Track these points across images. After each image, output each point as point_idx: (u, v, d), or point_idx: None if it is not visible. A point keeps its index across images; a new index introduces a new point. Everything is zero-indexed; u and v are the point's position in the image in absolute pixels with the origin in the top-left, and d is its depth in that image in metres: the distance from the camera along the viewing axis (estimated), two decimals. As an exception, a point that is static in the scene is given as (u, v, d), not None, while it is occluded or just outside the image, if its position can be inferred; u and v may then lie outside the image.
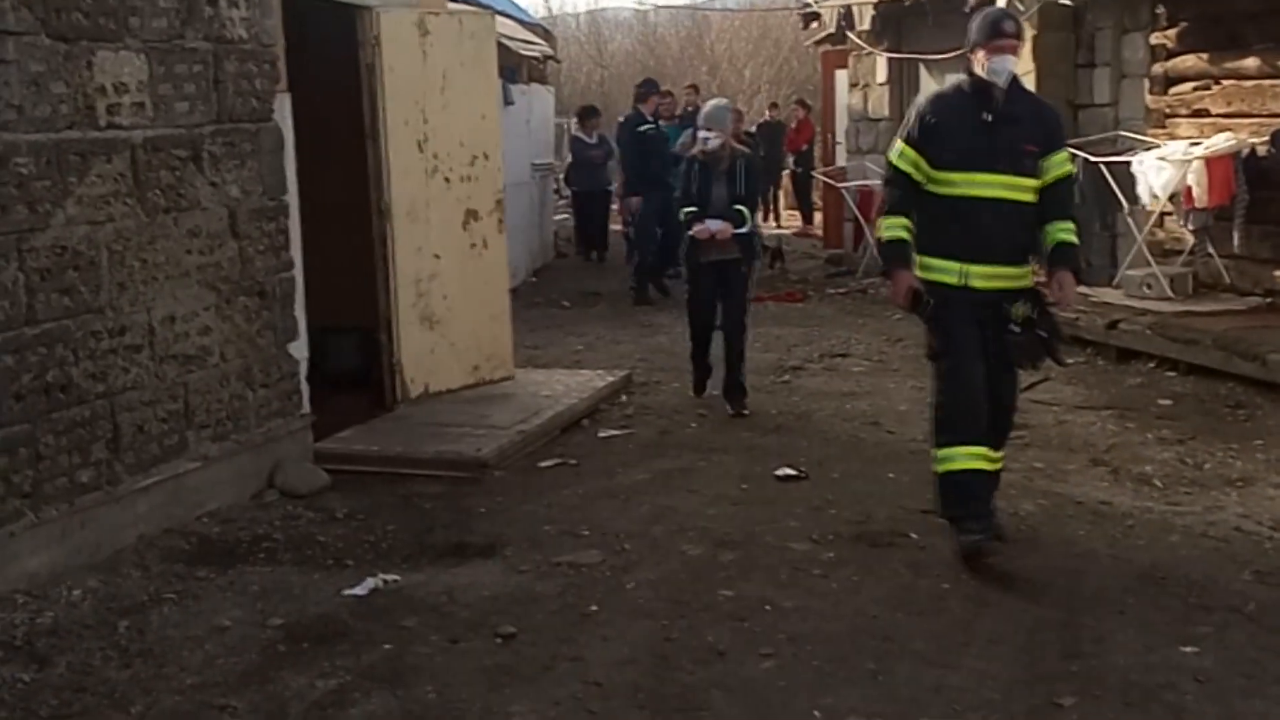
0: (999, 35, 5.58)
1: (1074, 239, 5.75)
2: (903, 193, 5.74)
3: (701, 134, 8.52)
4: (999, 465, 5.89)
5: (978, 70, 5.62)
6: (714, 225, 8.33)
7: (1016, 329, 5.64)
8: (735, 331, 8.53)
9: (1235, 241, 9.75)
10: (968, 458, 5.67)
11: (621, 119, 15.16)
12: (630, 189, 14.43)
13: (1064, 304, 5.76)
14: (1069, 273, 5.69)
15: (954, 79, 5.88)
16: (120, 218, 5.88)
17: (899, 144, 5.75)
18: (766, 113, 22.70)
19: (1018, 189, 5.60)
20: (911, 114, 5.79)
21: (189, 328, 6.28)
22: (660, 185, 13.17)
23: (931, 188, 5.66)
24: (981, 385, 5.68)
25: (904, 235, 5.70)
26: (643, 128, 14.17)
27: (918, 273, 5.71)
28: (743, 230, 8.35)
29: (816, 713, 4.31)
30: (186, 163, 6.25)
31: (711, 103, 9.09)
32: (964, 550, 5.59)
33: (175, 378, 6.21)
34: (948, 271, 5.66)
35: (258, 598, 5.41)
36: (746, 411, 8.43)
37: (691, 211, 8.43)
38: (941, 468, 5.75)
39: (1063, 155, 5.77)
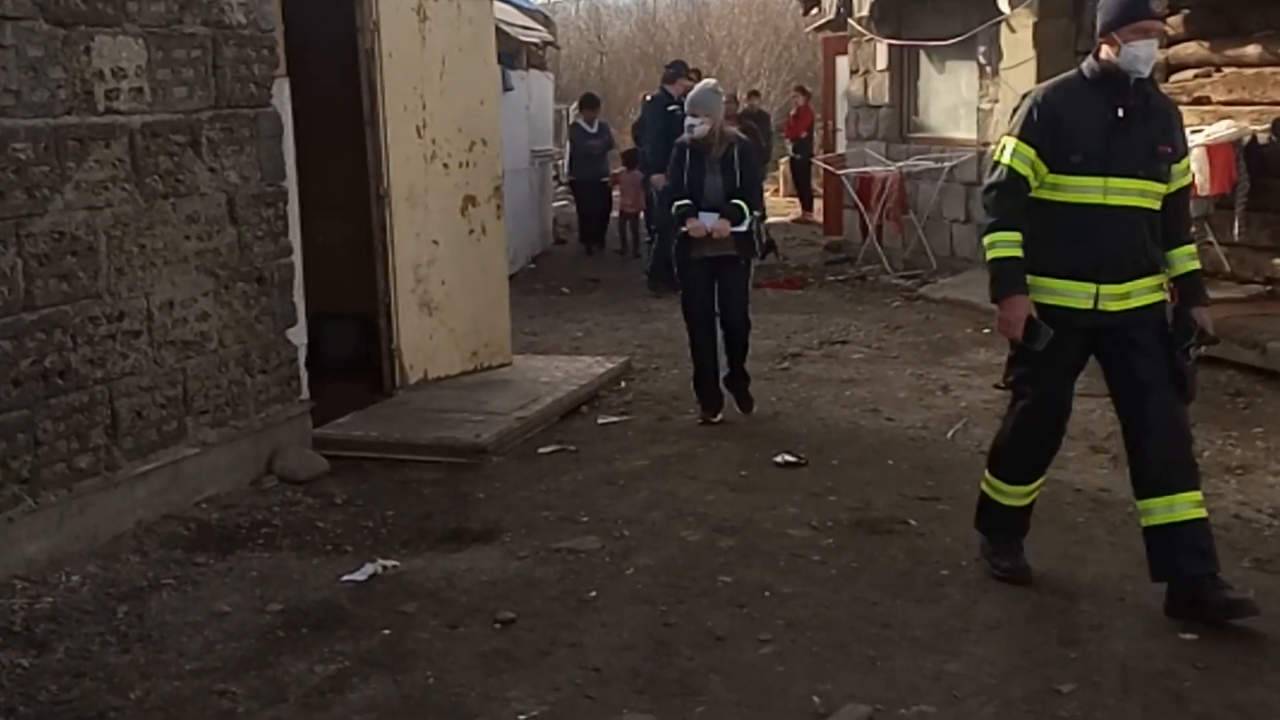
0: (1144, 15, 4.81)
1: (1198, 265, 5.10)
2: (1014, 201, 4.92)
3: (688, 120, 7.92)
4: (1203, 512, 4.95)
5: (1109, 56, 4.84)
6: (709, 221, 7.70)
7: (1188, 352, 4.90)
8: (738, 327, 8.03)
9: (1236, 230, 9.73)
10: (1019, 498, 5.29)
11: (648, 98, 14.81)
12: (655, 170, 13.92)
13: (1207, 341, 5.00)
14: (1204, 309, 5.00)
15: (1086, 65, 5.00)
16: (119, 203, 5.87)
17: (1011, 142, 4.93)
18: (744, 100, 20.71)
19: (1150, 196, 4.88)
20: (1026, 107, 4.96)
21: (187, 313, 6.27)
22: None
23: (1046, 194, 4.91)
24: (1064, 429, 5.26)
25: (1019, 253, 4.91)
26: (671, 108, 13.69)
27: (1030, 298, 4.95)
28: (741, 227, 7.73)
29: (815, 698, 4.32)
30: (185, 148, 6.23)
31: (698, 86, 8.36)
32: (1002, 577, 5.27)
33: (174, 363, 6.20)
34: (1075, 294, 4.89)
35: (257, 583, 5.41)
36: (753, 409, 8.08)
37: (684, 205, 7.78)
38: (994, 495, 5.33)
39: (1187, 161, 5.09)
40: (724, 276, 7.85)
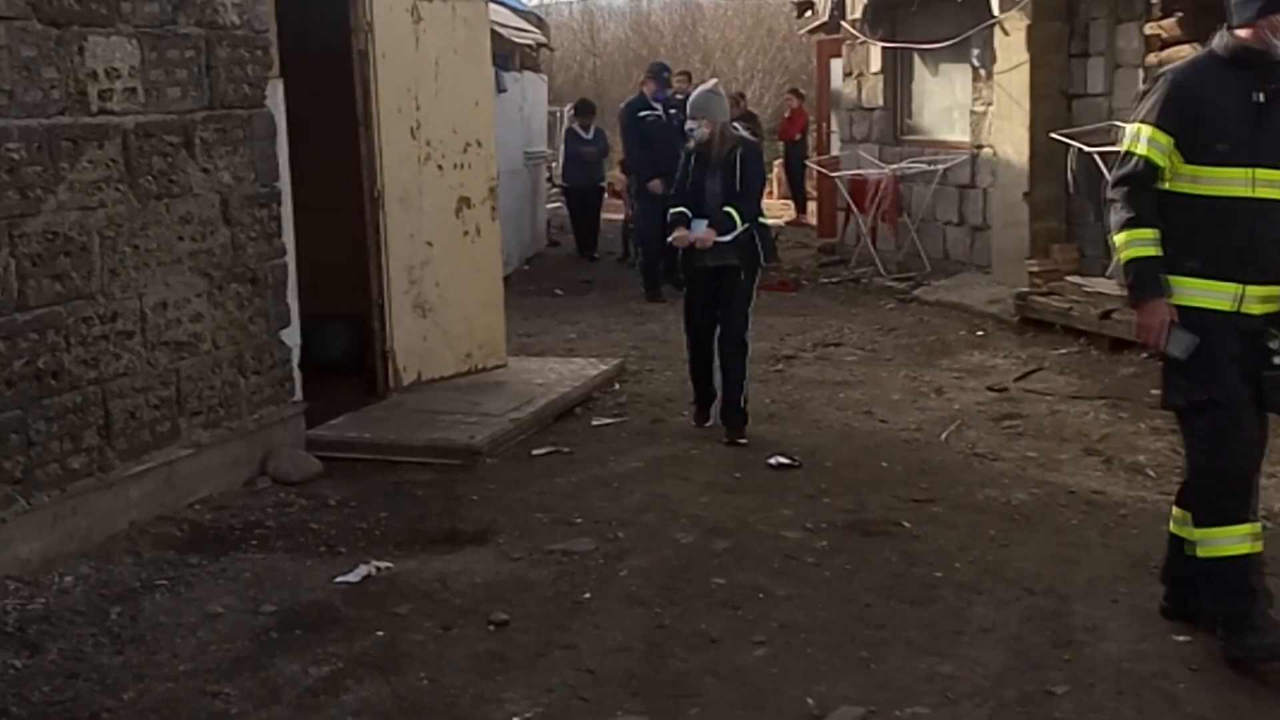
0: None
1: None
2: (1147, 194, 4.49)
3: (689, 124, 7.69)
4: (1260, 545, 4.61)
5: (1246, 37, 4.42)
6: (695, 231, 7.42)
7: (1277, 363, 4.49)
8: (732, 350, 7.52)
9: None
10: (1237, 540, 4.49)
11: (624, 103, 14.65)
12: (639, 175, 13.59)
13: None
14: None
15: (1220, 44, 4.54)
16: (112, 204, 5.86)
17: (1145, 129, 4.48)
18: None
19: None
20: (1162, 90, 4.50)
21: (181, 314, 6.26)
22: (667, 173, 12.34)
23: (1184, 187, 4.48)
24: (1257, 444, 4.59)
25: (1157, 252, 4.46)
26: (643, 113, 13.52)
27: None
28: (725, 238, 7.35)
29: (809, 700, 4.31)
30: (178, 149, 6.22)
31: (698, 89, 8.07)
32: (1252, 657, 4.44)
33: (167, 364, 6.19)
34: (1219, 295, 4.45)
35: (250, 585, 5.40)
36: (743, 440, 7.44)
37: (677, 213, 7.54)
38: (1204, 553, 4.56)
39: None
40: (723, 288, 7.49)
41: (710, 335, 7.60)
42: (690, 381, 7.96)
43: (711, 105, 7.60)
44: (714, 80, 8.71)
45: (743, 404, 7.61)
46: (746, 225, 7.38)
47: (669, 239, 7.61)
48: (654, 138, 13.18)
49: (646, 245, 13.35)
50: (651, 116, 13.45)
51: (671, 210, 7.63)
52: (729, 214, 7.34)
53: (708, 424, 7.78)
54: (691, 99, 7.86)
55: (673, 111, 13.07)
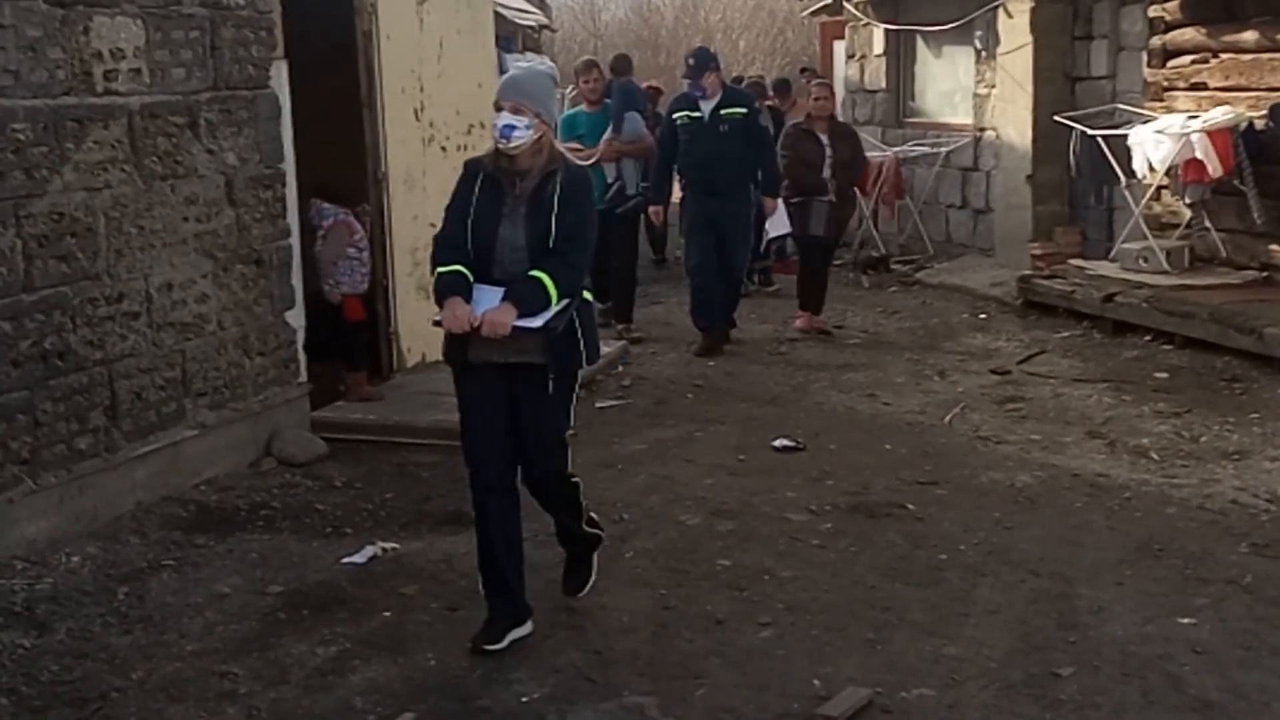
0: None
1: None
2: None
3: (495, 120, 4.57)
4: None
5: None
6: (481, 306, 4.45)
7: None
8: (545, 486, 4.82)
9: (1256, 214, 9.65)
10: None
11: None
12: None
13: None
14: None
15: None
16: (117, 184, 5.85)
17: None
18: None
19: None
20: None
21: (186, 295, 6.26)
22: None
23: None
24: None
25: None
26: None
27: None
28: (531, 322, 4.42)
29: (815, 681, 4.33)
30: (183, 130, 6.21)
31: (523, 68, 5.03)
32: None
33: (173, 345, 6.19)
34: None
35: (257, 565, 5.41)
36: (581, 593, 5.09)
37: (449, 273, 4.54)
38: None
39: None
40: (524, 400, 4.63)
41: (508, 479, 4.71)
42: (480, 575, 4.76)
43: (539, 93, 4.61)
44: (546, 63, 5.56)
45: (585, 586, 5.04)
46: (566, 303, 4.50)
47: (435, 319, 4.57)
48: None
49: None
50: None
51: (439, 269, 4.60)
52: (538, 280, 4.44)
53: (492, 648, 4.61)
54: (505, 81, 4.76)
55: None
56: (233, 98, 6.51)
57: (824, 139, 9.87)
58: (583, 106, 10.35)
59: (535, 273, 4.45)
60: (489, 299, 4.48)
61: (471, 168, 4.69)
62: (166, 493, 6.12)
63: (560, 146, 4.80)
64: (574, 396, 4.77)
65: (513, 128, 4.50)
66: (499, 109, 4.55)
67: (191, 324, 6.31)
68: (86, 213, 5.70)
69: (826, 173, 9.82)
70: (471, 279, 4.53)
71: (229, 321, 6.55)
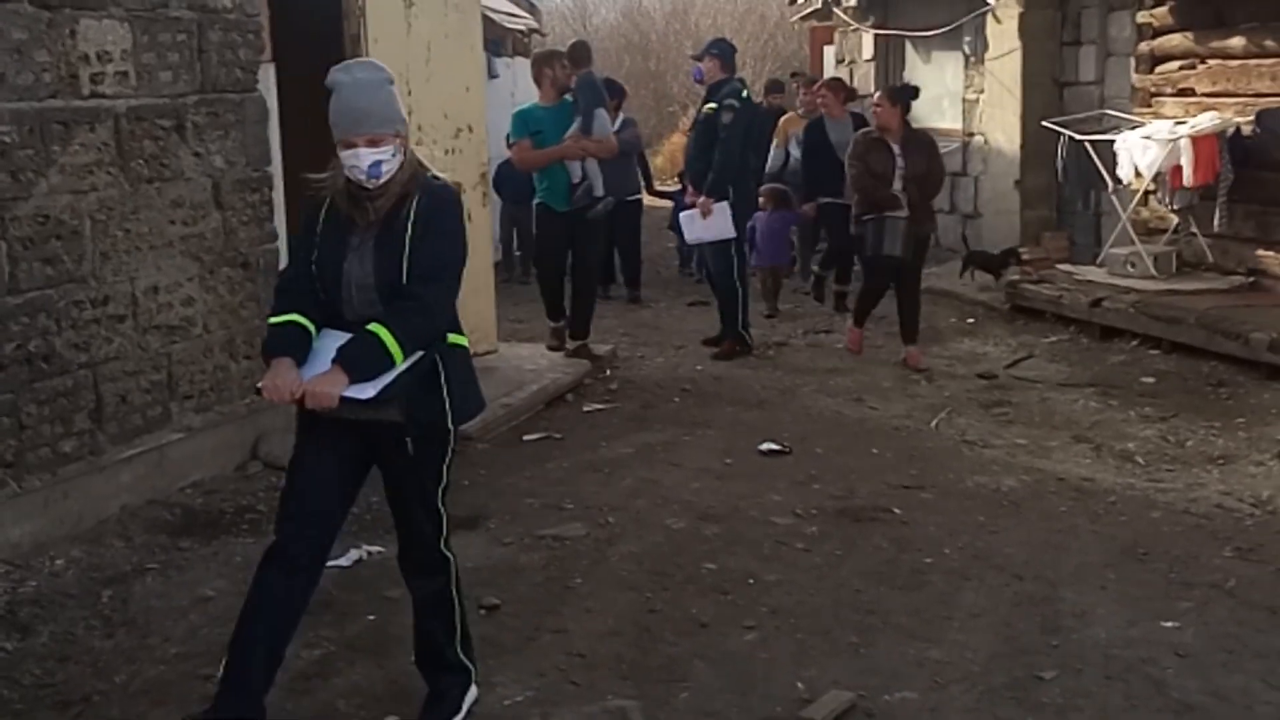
0: None
1: None
2: None
3: (356, 160, 3.79)
4: None
5: None
6: (321, 358, 3.80)
7: None
8: (427, 590, 4.14)
9: (1217, 221, 9.76)
10: None
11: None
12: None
13: None
14: None
15: None
16: (103, 187, 5.85)
17: None
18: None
19: None
20: None
21: (172, 298, 6.26)
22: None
23: None
24: None
25: None
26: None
27: None
28: (364, 394, 3.71)
29: (799, 684, 4.34)
30: (170, 133, 6.21)
31: (358, 66, 4.01)
32: None
33: (158, 348, 6.19)
34: None
35: (241, 568, 5.39)
36: None
37: (281, 322, 3.89)
38: None
39: None
40: (381, 465, 4.02)
41: (315, 561, 4.04)
42: (227, 657, 3.98)
43: (390, 109, 3.88)
44: (373, 64, 4.05)
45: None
46: (418, 357, 3.80)
47: (254, 387, 4.07)
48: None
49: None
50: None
51: (271, 318, 3.97)
52: (374, 340, 3.72)
53: None
54: (346, 108, 3.87)
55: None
56: (220, 101, 6.51)
57: (896, 148, 8.90)
58: (538, 100, 9.32)
59: (375, 327, 3.72)
60: (331, 349, 3.79)
61: (316, 193, 3.96)
62: (152, 496, 6.11)
63: (421, 157, 3.99)
64: (445, 461, 3.99)
65: (380, 163, 3.80)
66: (351, 145, 3.78)
67: (178, 327, 6.30)
68: (72, 215, 5.69)
69: (898, 184, 8.87)
70: (312, 328, 3.85)
71: (215, 325, 6.54)
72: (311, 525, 3.95)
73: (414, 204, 3.83)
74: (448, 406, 3.91)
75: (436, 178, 3.95)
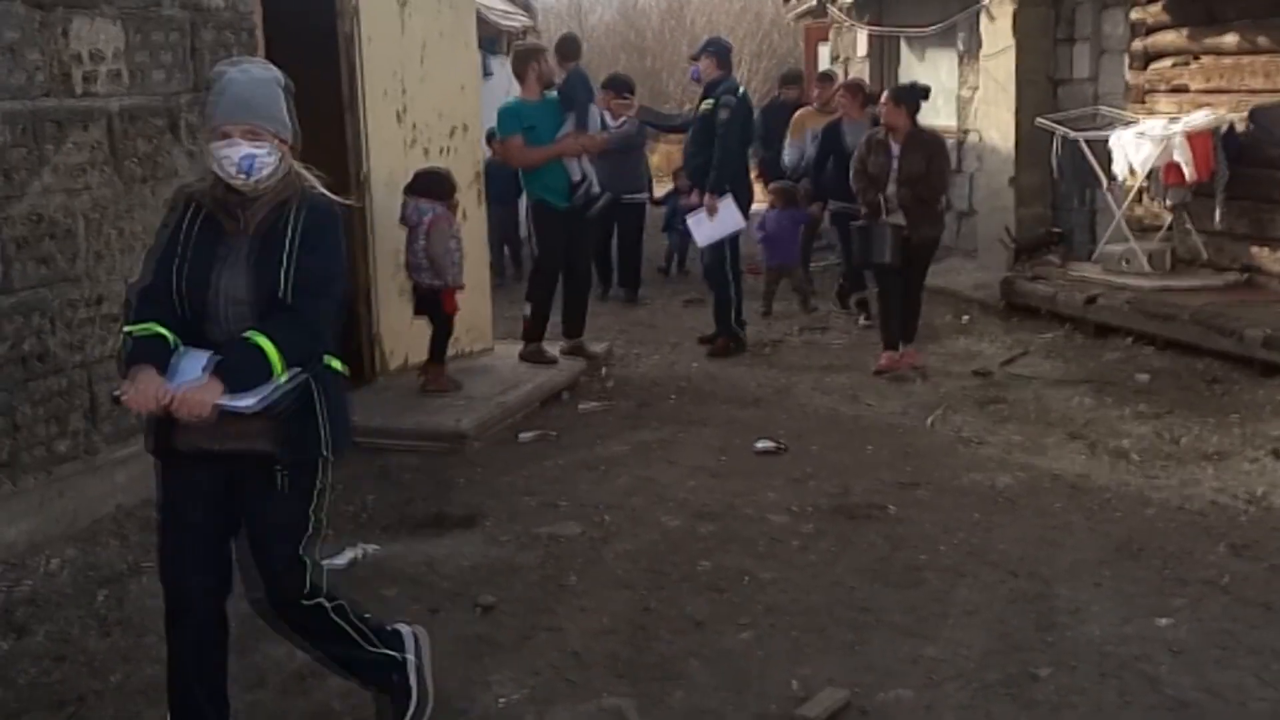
0: None
1: None
2: None
3: (228, 151, 3.51)
4: None
5: None
6: (182, 378, 3.45)
7: None
8: (300, 633, 3.85)
9: (1218, 218, 9.76)
10: None
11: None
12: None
13: None
14: None
15: None
16: (97, 187, 5.84)
17: None
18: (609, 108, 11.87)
19: None
20: None
21: (167, 298, 6.25)
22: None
23: None
24: None
25: None
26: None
27: None
28: (244, 402, 3.41)
29: (794, 682, 4.34)
30: (163, 132, 6.21)
31: (241, 69, 3.68)
32: None
33: (153, 348, 6.18)
34: None
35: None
36: None
37: (145, 330, 3.51)
38: None
39: None
40: (246, 499, 3.65)
41: (213, 606, 3.75)
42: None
43: (275, 107, 3.63)
44: (267, 64, 3.80)
45: None
46: (295, 374, 3.52)
47: (113, 395, 3.59)
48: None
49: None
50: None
51: (128, 327, 3.60)
52: (255, 348, 3.44)
53: None
54: (227, 96, 3.57)
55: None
56: (213, 100, 6.50)
57: (895, 149, 8.56)
58: (522, 95, 8.91)
59: (254, 335, 3.42)
60: (194, 368, 3.44)
61: (182, 197, 3.65)
62: (147, 496, 6.05)
63: (300, 168, 3.69)
64: (316, 494, 3.67)
65: (253, 158, 3.49)
66: (225, 136, 3.49)
67: (172, 327, 6.29)
68: (66, 215, 5.69)
69: (891, 187, 8.54)
70: (174, 342, 3.50)
71: (210, 324, 6.53)
72: (193, 572, 3.66)
73: (294, 214, 3.56)
74: (324, 435, 3.60)
75: (319, 190, 3.67)
